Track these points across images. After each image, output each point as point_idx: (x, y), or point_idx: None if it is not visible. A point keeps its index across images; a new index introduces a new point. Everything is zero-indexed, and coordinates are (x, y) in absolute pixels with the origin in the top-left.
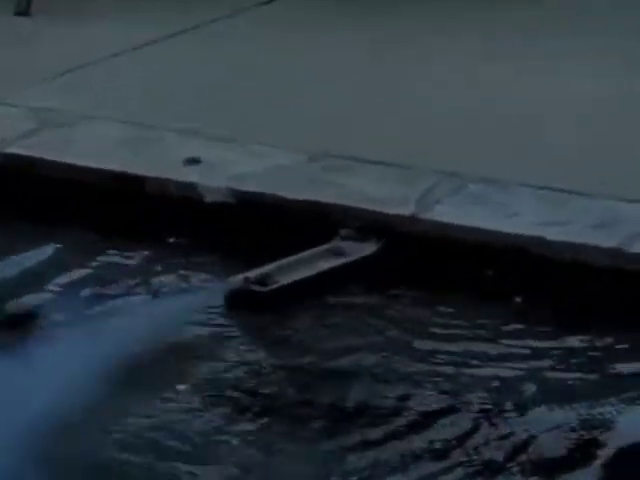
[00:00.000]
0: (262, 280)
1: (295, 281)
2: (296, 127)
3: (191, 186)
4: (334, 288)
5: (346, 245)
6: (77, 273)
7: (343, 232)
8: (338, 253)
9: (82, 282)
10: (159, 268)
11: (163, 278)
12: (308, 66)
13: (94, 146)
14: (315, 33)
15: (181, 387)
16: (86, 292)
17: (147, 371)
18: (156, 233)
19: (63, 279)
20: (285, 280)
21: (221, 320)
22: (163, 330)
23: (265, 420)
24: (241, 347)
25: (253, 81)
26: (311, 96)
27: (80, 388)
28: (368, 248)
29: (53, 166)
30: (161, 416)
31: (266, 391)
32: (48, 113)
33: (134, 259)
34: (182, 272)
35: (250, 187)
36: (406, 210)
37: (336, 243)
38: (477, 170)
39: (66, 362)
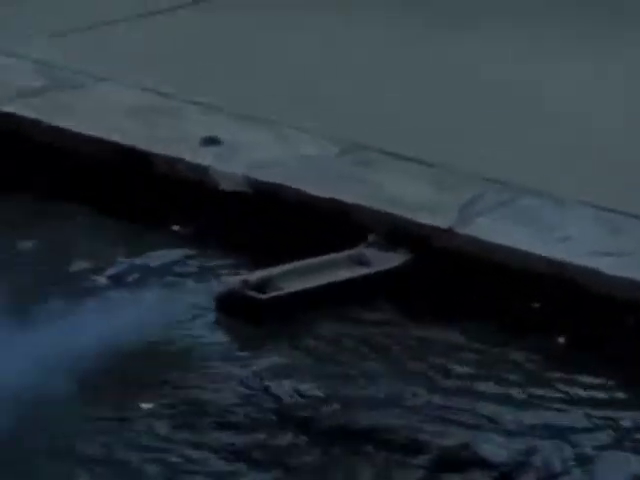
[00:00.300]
0: (262, 285)
1: (300, 290)
2: (330, 113)
3: (204, 170)
4: (346, 303)
5: (371, 253)
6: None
7: (371, 238)
8: (360, 262)
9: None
10: (154, 257)
11: (155, 268)
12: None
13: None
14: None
15: (144, 406)
16: (65, 275)
17: (109, 382)
18: (160, 219)
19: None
20: (289, 288)
21: (203, 326)
22: (137, 330)
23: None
24: (218, 364)
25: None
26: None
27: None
28: (396, 259)
29: (53, 131)
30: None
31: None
32: (58, 71)
33: (124, 244)
34: (178, 264)
35: (269, 177)
36: (443, 222)
37: (360, 250)
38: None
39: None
